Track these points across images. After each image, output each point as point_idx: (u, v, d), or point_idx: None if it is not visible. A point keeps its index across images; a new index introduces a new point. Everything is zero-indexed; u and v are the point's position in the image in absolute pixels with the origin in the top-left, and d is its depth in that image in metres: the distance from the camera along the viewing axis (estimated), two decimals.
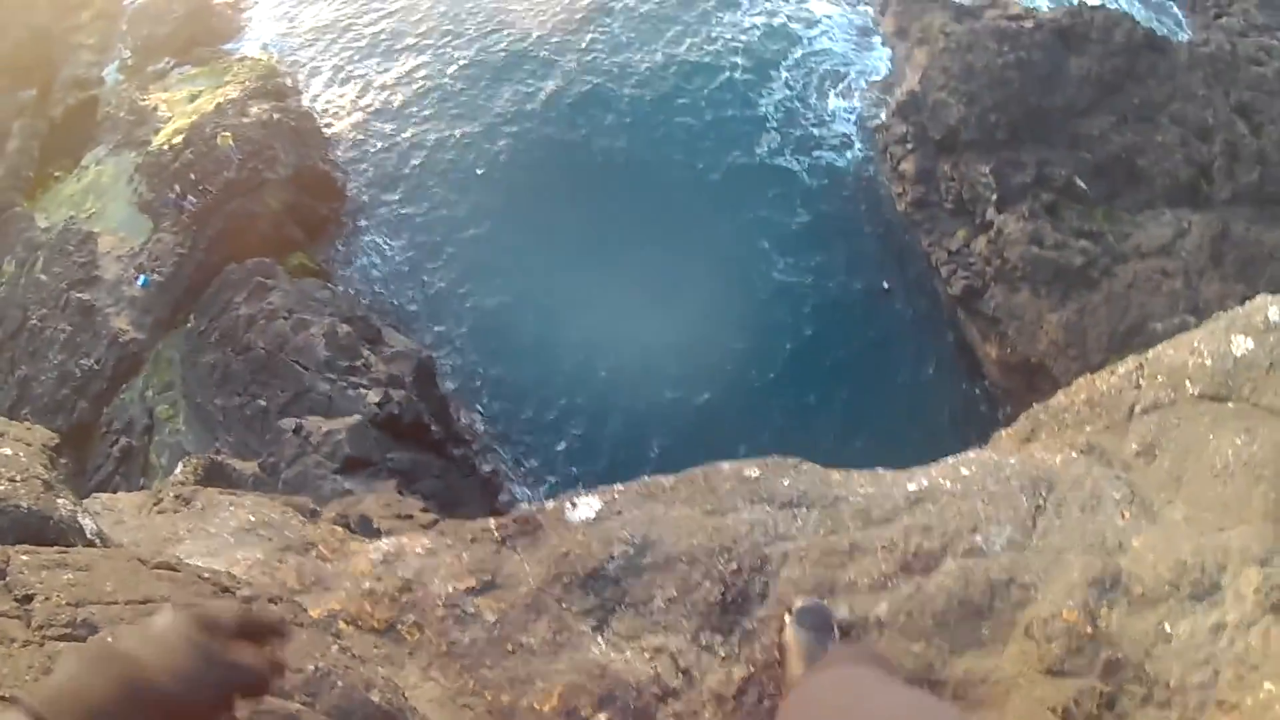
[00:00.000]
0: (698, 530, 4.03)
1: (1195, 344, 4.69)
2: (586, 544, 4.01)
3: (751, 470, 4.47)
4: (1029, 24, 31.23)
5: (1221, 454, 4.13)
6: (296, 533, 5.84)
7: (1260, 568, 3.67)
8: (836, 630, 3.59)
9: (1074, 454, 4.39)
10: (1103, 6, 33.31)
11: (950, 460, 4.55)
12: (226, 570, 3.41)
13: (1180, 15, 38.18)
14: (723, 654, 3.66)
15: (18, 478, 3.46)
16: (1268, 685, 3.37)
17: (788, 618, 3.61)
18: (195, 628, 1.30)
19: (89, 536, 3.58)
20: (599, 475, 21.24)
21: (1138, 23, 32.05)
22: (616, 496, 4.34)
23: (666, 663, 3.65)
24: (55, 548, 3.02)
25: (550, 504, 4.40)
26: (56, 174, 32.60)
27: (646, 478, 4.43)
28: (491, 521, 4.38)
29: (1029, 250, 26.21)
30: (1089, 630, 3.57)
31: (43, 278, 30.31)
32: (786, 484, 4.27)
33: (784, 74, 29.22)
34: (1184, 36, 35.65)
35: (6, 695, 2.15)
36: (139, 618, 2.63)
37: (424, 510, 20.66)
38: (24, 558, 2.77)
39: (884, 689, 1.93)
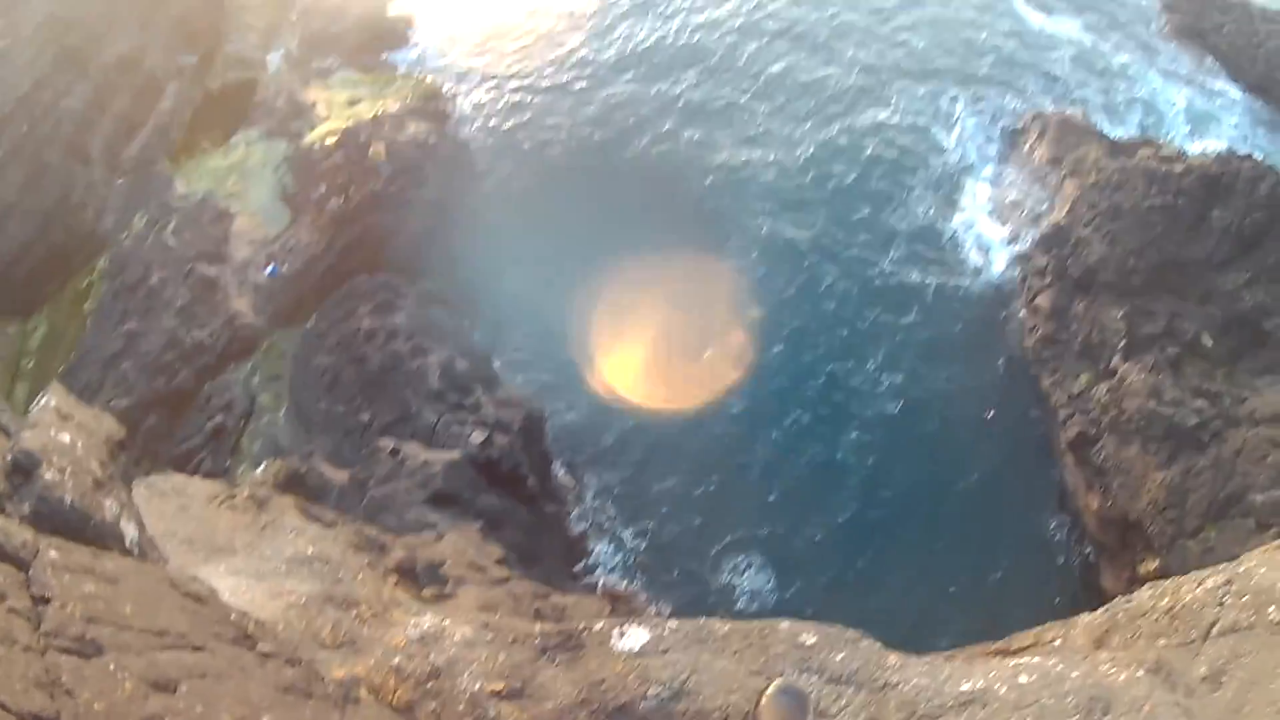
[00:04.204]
0: (738, 689, 3.92)
1: None
2: (624, 676, 3.98)
3: (809, 636, 4.43)
4: (1179, 168, 30.68)
5: None
6: (349, 579, 5.82)
7: None
8: (813, 712, 3.65)
9: (1140, 672, 4.21)
10: (1250, 157, 32.73)
11: (1010, 664, 4.47)
12: (256, 617, 3.34)
13: None
14: None
15: (68, 469, 3.44)
16: None
17: (768, 691, 3.66)
18: None
19: (127, 545, 3.54)
20: (679, 568, 21.25)
21: None
22: (666, 633, 4.34)
23: None
24: (90, 549, 2.97)
25: (599, 625, 4.34)
26: (204, 145, 33.57)
27: (702, 619, 4.46)
28: (536, 627, 4.37)
29: (1147, 404, 25.66)
30: None
31: (171, 242, 31.04)
32: (840, 658, 4.25)
33: (923, 184, 29.16)
34: None
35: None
36: (149, 650, 2.58)
37: (499, 562, 20.92)
38: (54, 554, 2.72)
39: None
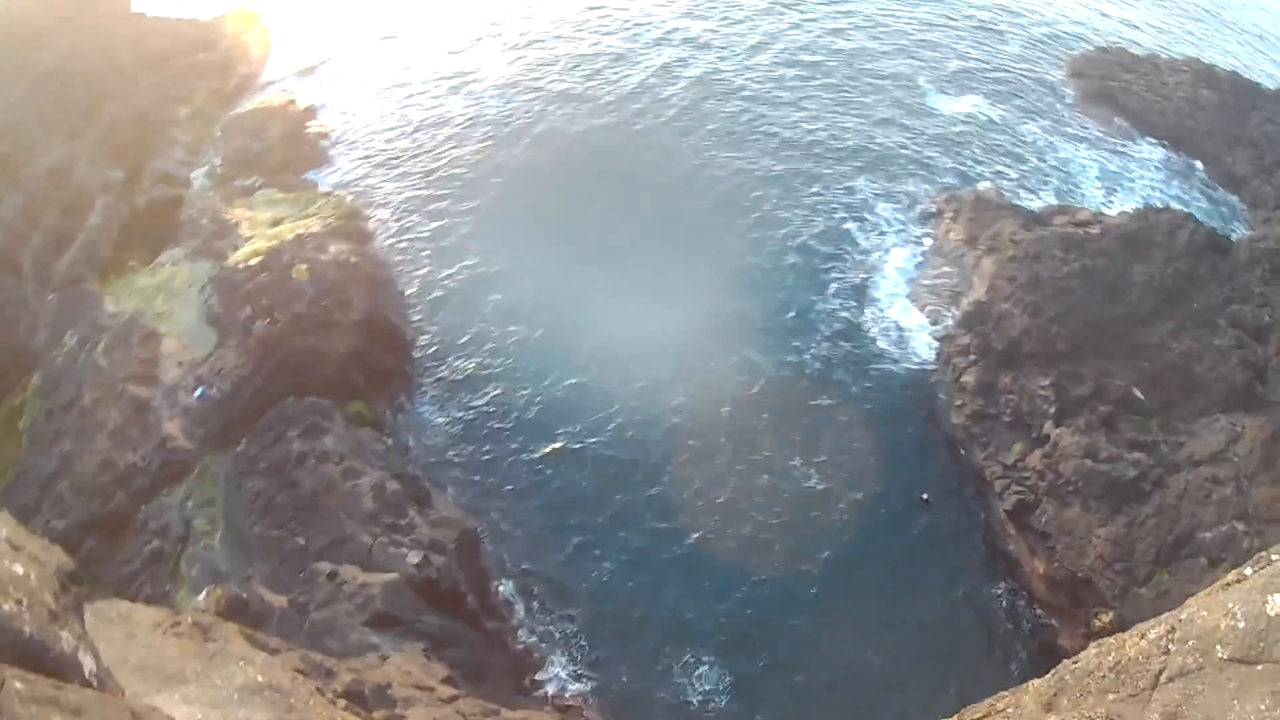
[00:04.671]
0: None
1: (1230, 605, 4.63)
2: None
3: None
4: (1095, 230, 31.63)
5: None
6: (301, 705, 5.69)
7: None
8: None
9: None
10: (1167, 208, 33.84)
11: None
12: None
13: (1240, 208, 38.85)
14: None
15: (24, 601, 3.43)
16: None
17: None
18: None
19: (86, 676, 3.55)
20: (629, 671, 20.96)
21: (1200, 223, 32.55)
22: None
23: None
24: (51, 680, 2.94)
25: None
26: (131, 263, 33.41)
27: None
28: None
29: (1083, 464, 26.04)
30: None
31: (102, 362, 30.80)
32: None
33: (840, 279, 29.72)
34: (1244, 232, 36.16)
35: None
36: None
37: (445, 681, 20.50)
38: (19, 685, 2.68)
39: None
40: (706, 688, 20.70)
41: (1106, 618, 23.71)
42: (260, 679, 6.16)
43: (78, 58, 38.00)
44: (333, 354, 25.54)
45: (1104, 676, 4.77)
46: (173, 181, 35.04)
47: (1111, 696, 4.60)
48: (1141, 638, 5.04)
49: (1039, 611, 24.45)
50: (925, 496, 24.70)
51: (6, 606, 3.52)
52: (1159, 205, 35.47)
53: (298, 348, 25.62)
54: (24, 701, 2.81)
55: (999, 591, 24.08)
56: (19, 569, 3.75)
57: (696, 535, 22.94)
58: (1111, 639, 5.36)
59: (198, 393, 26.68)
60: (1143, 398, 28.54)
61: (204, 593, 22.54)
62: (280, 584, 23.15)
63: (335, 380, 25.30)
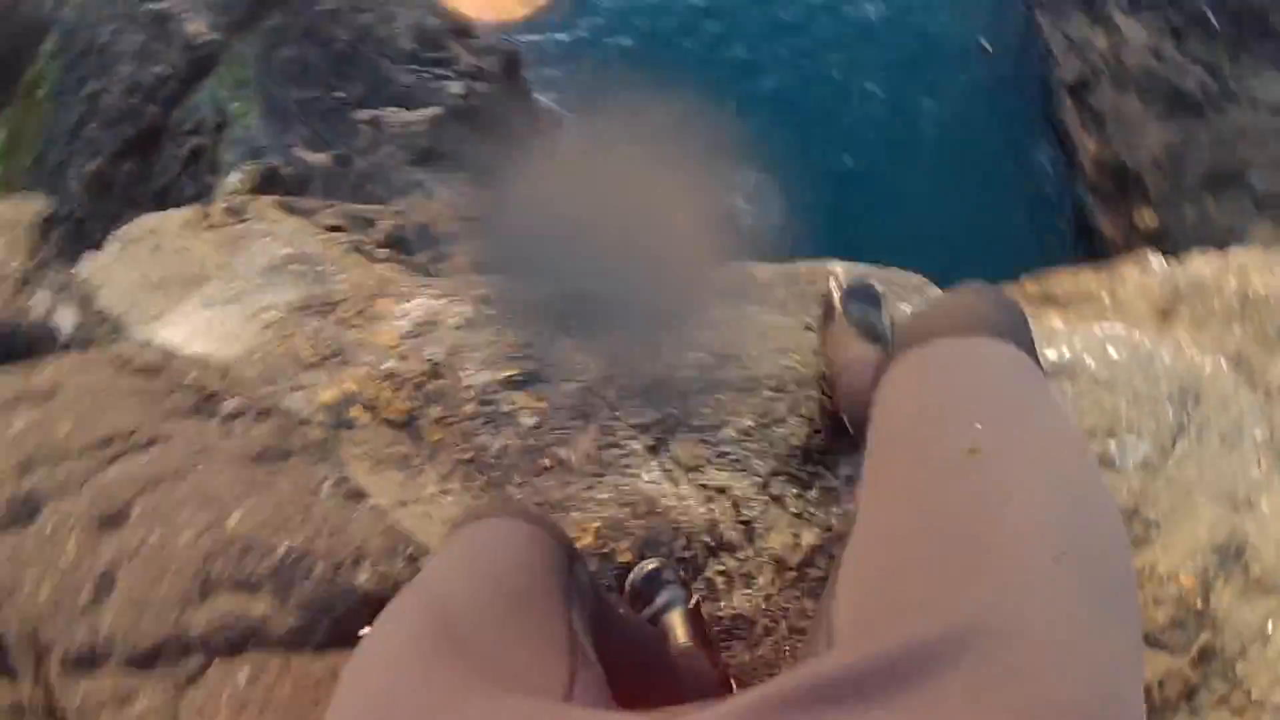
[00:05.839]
0: (794, 348, 3.24)
1: None
2: None
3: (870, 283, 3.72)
4: None
5: None
6: (330, 273, 5.14)
7: None
8: (885, 309, 2.96)
9: (1223, 362, 3.65)
10: None
11: (1099, 332, 3.75)
12: (220, 362, 2.88)
13: None
14: (794, 510, 3.00)
15: None
16: None
17: (834, 285, 3.00)
18: None
19: (63, 340, 3.22)
20: None
21: None
22: None
23: (727, 508, 3.01)
24: (21, 367, 2.63)
25: None
26: None
27: (738, 264, 3.65)
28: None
29: (1146, 60, 24.93)
30: (1199, 605, 2.92)
31: None
32: (907, 310, 3.48)
33: None
34: None
35: None
36: (92, 475, 2.20)
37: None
38: None
39: (1020, 367, 1.33)
40: (750, 208, 20.62)
41: (1152, 221, 23.33)
42: (284, 252, 5.40)
43: None
44: None
45: (1229, 303, 4.06)
46: None
47: (1238, 330, 3.93)
48: (1270, 273, 4.13)
49: (1082, 191, 24.17)
50: (988, 46, 23.85)
51: None
52: None
53: None
54: None
55: (1046, 158, 23.62)
56: None
57: (747, 50, 22.07)
58: (1229, 258, 4.43)
59: None
60: (1217, 26, 27.24)
61: (236, 173, 22.43)
62: (321, 144, 22.94)
63: None
